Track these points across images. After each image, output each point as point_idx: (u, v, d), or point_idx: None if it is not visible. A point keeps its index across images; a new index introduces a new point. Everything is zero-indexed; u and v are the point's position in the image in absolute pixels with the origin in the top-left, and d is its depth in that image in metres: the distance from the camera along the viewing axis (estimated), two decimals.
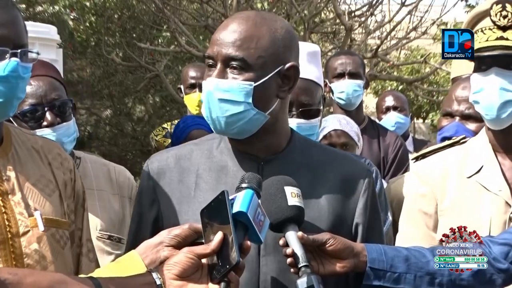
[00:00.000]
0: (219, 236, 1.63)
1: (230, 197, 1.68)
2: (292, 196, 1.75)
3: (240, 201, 1.67)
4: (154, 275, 1.62)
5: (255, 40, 1.84)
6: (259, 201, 1.71)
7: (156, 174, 1.95)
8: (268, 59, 1.85)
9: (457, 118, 2.92)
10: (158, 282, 1.61)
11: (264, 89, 1.85)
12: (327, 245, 1.77)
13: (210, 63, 1.87)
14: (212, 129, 1.90)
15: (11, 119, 2.50)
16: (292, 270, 1.73)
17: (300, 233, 1.73)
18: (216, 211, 1.67)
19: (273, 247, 1.84)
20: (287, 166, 1.91)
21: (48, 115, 2.51)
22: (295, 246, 1.72)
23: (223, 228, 1.64)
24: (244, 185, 1.71)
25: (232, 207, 1.66)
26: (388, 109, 5.28)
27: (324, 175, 1.94)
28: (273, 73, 1.86)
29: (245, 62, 1.83)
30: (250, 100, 1.84)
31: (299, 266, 1.70)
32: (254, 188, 1.71)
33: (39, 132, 2.48)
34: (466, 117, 2.87)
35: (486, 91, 2.21)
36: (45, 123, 2.51)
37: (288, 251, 1.71)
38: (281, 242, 1.75)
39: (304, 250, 1.71)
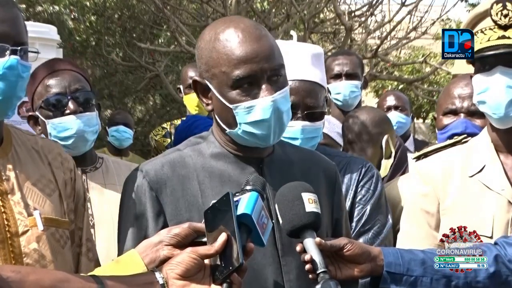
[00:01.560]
0: (223, 237, 1.62)
1: (235, 199, 1.67)
2: (310, 202, 1.76)
3: (245, 204, 1.66)
4: (157, 274, 1.62)
5: (277, 47, 1.87)
6: (263, 204, 1.70)
7: (156, 184, 1.87)
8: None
9: (462, 115, 2.89)
10: (161, 282, 1.61)
11: None
12: (344, 250, 1.77)
13: (245, 85, 1.81)
14: (261, 144, 1.88)
15: (43, 110, 2.60)
16: (310, 276, 1.73)
17: (318, 239, 1.73)
18: (220, 212, 1.67)
19: (289, 246, 1.85)
20: (282, 165, 1.93)
21: (70, 104, 2.60)
22: (313, 252, 1.72)
23: (226, 230, 1.64)
24: (248, 187, 1.71)
25: (237, 209, 1.65)
26: (389, 108, 5.27)
27: (307, 172, 1.97)
28: None
29: (284, 68, 1.86)
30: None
31: (318, 272, 1.70)
32: (259, 191, 1.70)
33: (62, 119, 2.58)
34: (471, 114, 2.85)
35: (492, 90, 2.20)
36: (67, 111, 2.60)
37: (307, 257, 1.71)
38: (298, 248, 1.75)
39: (322, 256, 1.71)
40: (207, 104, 1.90)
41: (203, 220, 1.70)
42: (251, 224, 1.65)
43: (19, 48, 1.80)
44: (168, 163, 1.90)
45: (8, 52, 1.78)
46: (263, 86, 1.81)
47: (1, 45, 1.78)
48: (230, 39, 1.81)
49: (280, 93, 1.83)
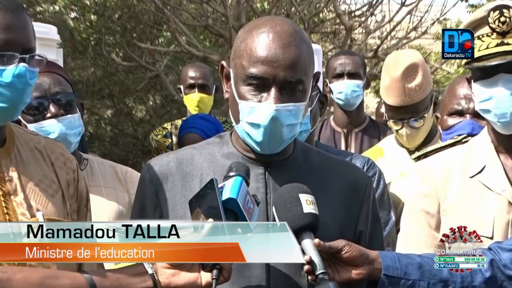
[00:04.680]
0: (209, 223, 1.63)
1: (219, 186, 1.68)
2: (307, 203, 1.75)
3: (229, 188, 1.67)
4: (146, 264, 1.64)
5: (306, 60, 1.82)
6: (248, 189, 1.72)
7: (158, 179, 1.92)
8: (312, 76, 1.87)
9: (468, 116, 2.88)
10: (150, 272, 1.63)
11: (307, 105, 1.88)
12: (343, 252, 1.77)
13: (256, 83, 1.81)
14: (257, 149, 1.86)
15: (23, 114, 2.56)
16: (309, 277, 1.73)
17: (316, 240, 1.73)
18: (205, 200, 1.68)
19: None
20: (293, 171, 1.91)
21: (51, 107, 2.60)
22: (312, 253, 1.72)
23: (213, 217, 1.64)
24: (232, 173, 1.73)
25: (222, 195, 1.66)
26: None
27: (327, 181, 1.94)
28: (311, 86, 1.88)
29: (303, 85, 1.82)
30: (301, 119, 1.86)
31: (317, 273, 1.70)
32: (242, 176, 1.72)
33: (44, 123, 2.57)
34: (477, 115, 2.83)
35: (496, 99, 2.18)
36: (48, 115, 2.59)
37: (306, 258, 1.71)
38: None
39: (321, 258, 1.72)
40: (226, 91, 1.92)
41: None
42: (237, 209, 1.66)
43: (27, 56, 1.80)
44: (176, 159, 1.94)
45: (16, 60, 1.78)
46: (272, 93, 1.79)
47: (11, 54, 1.77)
48: (260, 37, 1.81)
49: (286, 105, 1.80)
